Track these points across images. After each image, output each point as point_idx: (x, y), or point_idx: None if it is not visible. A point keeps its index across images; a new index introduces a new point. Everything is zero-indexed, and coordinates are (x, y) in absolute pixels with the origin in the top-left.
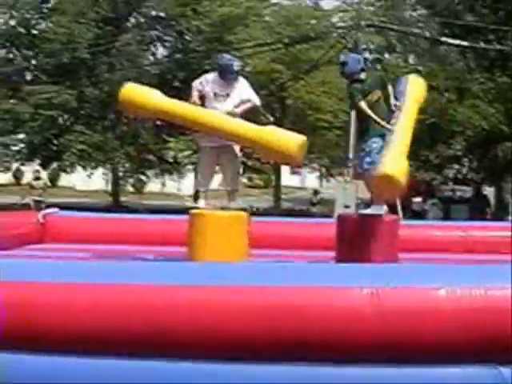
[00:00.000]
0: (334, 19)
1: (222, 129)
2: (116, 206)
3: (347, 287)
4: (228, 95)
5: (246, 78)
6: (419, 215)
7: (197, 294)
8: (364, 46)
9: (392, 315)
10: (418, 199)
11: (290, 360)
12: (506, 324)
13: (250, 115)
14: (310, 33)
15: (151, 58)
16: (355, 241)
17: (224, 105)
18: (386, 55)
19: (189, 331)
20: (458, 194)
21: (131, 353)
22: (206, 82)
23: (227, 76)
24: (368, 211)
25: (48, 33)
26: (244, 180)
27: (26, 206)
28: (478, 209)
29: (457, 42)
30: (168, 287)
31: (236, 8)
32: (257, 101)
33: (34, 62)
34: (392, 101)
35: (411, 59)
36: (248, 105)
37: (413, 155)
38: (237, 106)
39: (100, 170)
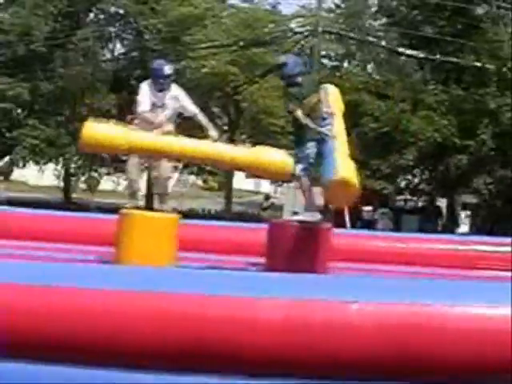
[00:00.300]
0: (292, 24)
1: (208, 158)
2: (67, 203)
3: (257, 298)
4: (163, 105)
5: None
6: (369, 225)
7: (101, 297)
8: (323, 53)
9: (300, 328)
10: (369, 208)
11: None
12: (425, 343)
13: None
14: (267, 37)
15: (108, 55)
16: (284, 248)
17: (160, 117)
18: (346, 64)
19: (100, 336)
20: (410, 204)
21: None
22: (147, 94)
23: (159, 81)
24: (300, 218)
25: (4, 24)
26: (199, 182)
27: None
28: (429, 220)
29: (413, 52)
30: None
31: (194, 8)
32: (194, 110)
33: None
34: (323, 107)
35: (370, 68)
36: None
37: (363, 164)
38: (170, 119)
39: (54, 166)
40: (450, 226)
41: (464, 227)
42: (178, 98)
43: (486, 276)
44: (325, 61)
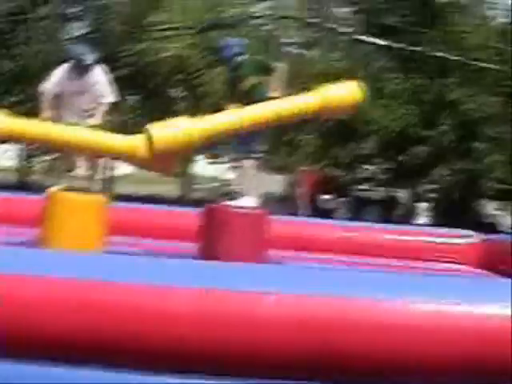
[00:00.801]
0: (254, 9)
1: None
2: (22, 185)
3: (170, 286)
4: (82, 93)
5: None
6: (326, 213)
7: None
8: (287, 40)
9: (211, 320)
10: (326, 197)
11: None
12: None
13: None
14: (227, 21)
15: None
16: (217, 233)
17: (79, 104)
18: (312, 51)
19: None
20: (371, 194)
21: None
22: (58, 80)
23: (78, 65)
24: (236, 203)
25: None
26: None
27: None
28: (387, 211)
29: (375, 40)
30: None
31: None
32: (111, 97)
33: None
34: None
35: (334, 57)
36: (102, 108)
37: (322, 151)
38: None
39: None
40: (408, 218)
41: (423, 219)
42: (98, 83)
43: (432, 268)
44: (289, 48)
